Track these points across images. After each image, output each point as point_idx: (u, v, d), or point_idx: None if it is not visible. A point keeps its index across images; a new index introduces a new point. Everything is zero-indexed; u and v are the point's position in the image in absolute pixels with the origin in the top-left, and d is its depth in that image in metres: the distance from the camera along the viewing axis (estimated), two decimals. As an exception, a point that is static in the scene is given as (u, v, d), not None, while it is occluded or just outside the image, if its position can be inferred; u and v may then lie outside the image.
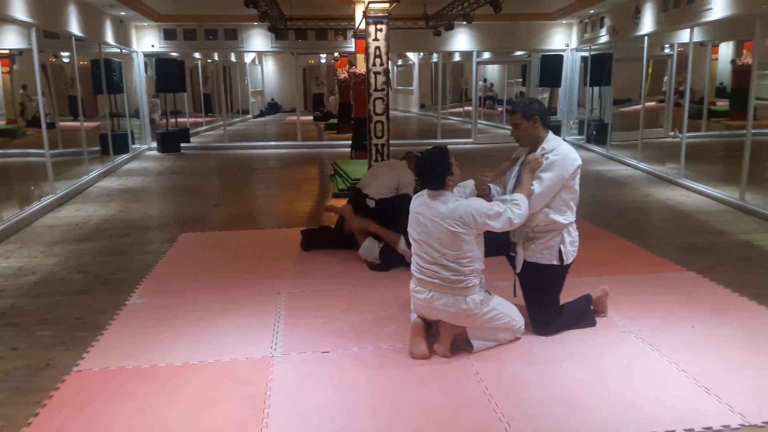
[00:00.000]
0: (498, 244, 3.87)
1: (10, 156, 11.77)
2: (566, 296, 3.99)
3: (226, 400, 3.22)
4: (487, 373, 3.44)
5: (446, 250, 3.47)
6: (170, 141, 13.59)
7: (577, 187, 3.74)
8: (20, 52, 11.41)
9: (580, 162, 3.74)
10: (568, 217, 3.73)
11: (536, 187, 3.62)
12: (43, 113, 8.13)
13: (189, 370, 3.56)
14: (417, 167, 3.65)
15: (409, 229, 3.67)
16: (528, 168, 3.68)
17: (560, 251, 3.74)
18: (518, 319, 3.77)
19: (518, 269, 3.87)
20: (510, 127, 3.88)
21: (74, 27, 9.73)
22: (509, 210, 3.49)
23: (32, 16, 7.98)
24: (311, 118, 21.06)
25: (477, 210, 3.45)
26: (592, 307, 4.12)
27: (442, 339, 3.66)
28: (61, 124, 11.25)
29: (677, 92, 12.74)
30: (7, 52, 11.74)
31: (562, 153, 3.68)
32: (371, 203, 5.53)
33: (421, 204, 3.60)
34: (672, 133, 12.78)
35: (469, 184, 3.85)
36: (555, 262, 3.76)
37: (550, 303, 3.88)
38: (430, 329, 3.79)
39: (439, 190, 3.57)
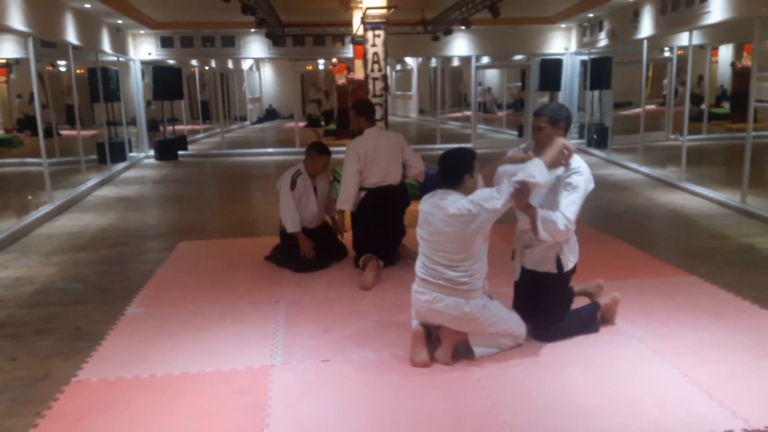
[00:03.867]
0: None
1: (8, 165, 11.77)
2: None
3: (225, 409, 3.19)
4: (488, 381, 3.41)
5: (455, 246, 3.46)
6: (167, 149, 13.55)
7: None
8: (17, 61, 11.43)
9: (593, 185, 3.77)
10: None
11: (569, 211, 3.57)
12: (40, 122, 8.11)
13: (188, 379, 3.53)
14: (440, 159, 3.62)
15: (418, 229, 3.65)
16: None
17: (558, 259, 3.73)
18: (520, 326, 3.75)
19: (516, 277, 3.88)
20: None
21: (71, 36, 9.72)
22: (522, 173, 3.42)
23: (29, 25, 7.97)
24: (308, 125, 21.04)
25: (481, 197, 3.43)
26: (600, 315, 4.07)
27: (444, 346, 3.63)
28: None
29: (677, 95, 12.75)
30: (5, 61, 11.76)
31: (586, 173, 3.68)
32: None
33: (431, 204, 3.58)
34: (673, 137, 12.77)
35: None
36: (553, 270, 3.75)
37: (549, 310, 3.84)
38: (430, 337, 3.76)
39: (452, 190, 3.55)
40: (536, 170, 3.40)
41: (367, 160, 5.28)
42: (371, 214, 5.37)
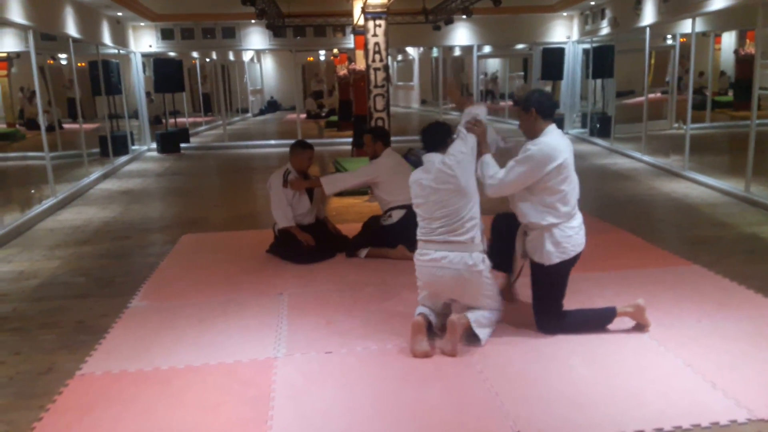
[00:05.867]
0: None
1: (10, 159, 11.77)
2: (572, 295, 3.94)
3: (229, 402, 3.20)
4: (491, 371, 3.42)
5: (452, 196, 3.63)
6: (170, 141, 13.54)
7: (562, 187, 3.63)
8: (18, 55, 11.41)
9: (559, 161, 3.58)
10: (547, 219, 3.67)
11: (504, 174, 3.69)
12: (41, 115, 8.11)
13: (192, 372, 3.54)
14: (423, 131, 3.94)
15: (414, 199, 3.83)
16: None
17: (543, 251, 3.71)
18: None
19: (518, 253, 3.98)
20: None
21: (71, 29, 9.70)
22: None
23: (29, 18, 7.96)
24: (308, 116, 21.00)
25: (454, 148, 3.78)
26: (617, 318, 3.90)
27: (449, 335, 3.63)
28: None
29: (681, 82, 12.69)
30: (5, 55, 11.74)
31: (536, 151, 3.60)
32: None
33: (419, 172, 3.84)
34: (676, 125, 12.72)
35: None
36: (539, 261, 3.75)
37: (546, 304, 3.83)
38: (431, 328, 3.77)
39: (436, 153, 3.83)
40: (477, 112, 3.91)
41: (395, 176, 5.43)
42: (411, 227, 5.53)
